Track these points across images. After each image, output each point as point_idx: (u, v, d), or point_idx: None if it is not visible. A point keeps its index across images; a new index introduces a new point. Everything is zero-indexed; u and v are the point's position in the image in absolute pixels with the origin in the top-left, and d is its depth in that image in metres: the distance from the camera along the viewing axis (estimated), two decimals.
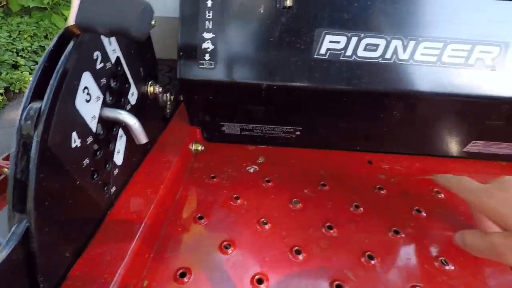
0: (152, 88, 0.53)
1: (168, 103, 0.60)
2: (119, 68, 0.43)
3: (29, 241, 0.29)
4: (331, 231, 0.46)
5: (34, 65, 2.91)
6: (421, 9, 0.46)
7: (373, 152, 0.63)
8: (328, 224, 0.47)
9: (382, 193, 0.54)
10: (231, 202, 0.51)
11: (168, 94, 0.57)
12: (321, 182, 0.55)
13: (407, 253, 0.43)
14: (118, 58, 0.42)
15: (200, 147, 0.60)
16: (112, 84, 0.42)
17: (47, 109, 0.28)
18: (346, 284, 0.39)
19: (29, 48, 3.01)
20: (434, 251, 0.44)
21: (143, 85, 0.51)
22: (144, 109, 0.52)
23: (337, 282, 0.39)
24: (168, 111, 0.63)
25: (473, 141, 0.58)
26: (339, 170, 0.59)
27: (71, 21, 0.30)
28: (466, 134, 0.57)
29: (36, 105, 0.29)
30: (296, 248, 0.43)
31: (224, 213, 0.49)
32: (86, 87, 0.35)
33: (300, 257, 0.42)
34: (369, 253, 0.43)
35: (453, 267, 0.41)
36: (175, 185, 0.51)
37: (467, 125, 0.55)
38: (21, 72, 2.78)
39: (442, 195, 0.54)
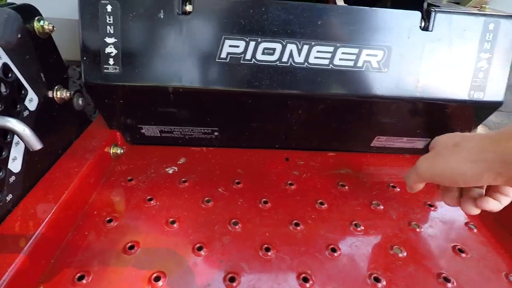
0: (59, 93, 0.52)
1: (89, 105, 0.60)
2: (9, 75, 0.42)
3: None
4: (236, 227, 0.49)
5: None
6: (313, 16, 0.49)
7: (291, 149, 0.66)
8: (234, 220, 0.49)
9: (292, 188, 0.57)
10: (144, 204, 0.52)
11: (81, 99, 0.57)
12: (236, 180, 0.58)
13: (304, 244, 0.47)
14: (5, 64, 0.41)
15: (119, 150, 0.60)
16: (2, 91, 0.41)
17: None
18: (240, 276, 0.41)
19: None
20: (328, 241, 0.47)
21: (47, 90, 0.50)
22: (51, 115, 0.51)
23: (231, 275, 0.41)
24: (94, 114, 0.63)
25: (376, 137, 0.63)
26: (257, 168, 0.62)
27: None
28: (369, 130, 0.62)
29: None
30: (199, 245, 0.45)
31: (135, 215, 0.50)
32: None
33: (202, 252, 0.44)
34: (266, 245, 0.45)
35: (339, 253, 0.45)
36: (84, 189, 0.51)
37: (367, 122, 0.59)
38: None
39: (346, 188, 0.58)
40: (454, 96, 0.53)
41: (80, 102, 0.57)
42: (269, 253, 0.45)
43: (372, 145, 0.65)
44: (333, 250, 0.46)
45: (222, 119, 0.58)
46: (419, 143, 0.66)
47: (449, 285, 0.41)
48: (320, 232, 0.49)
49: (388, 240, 0.48)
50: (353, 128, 0.61)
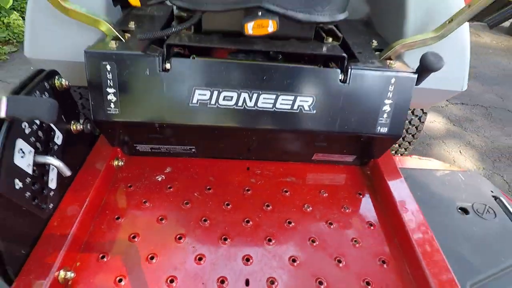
0: (74, 126, 0.71)
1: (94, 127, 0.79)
2: (43, 124, 0.61)
3: None
4: (206, 223, 0.70)
5: None
6: (260, 72, 0.67)
7: (252, 160, 0.86)
8: (204, 218, 0.71)
9: (248, 193, 0.78)
10: (141, 205, 0.73)
11: (89, 124, 0.75)
12: (207, 187, 0.78)
13: (250, 235, 0.68)
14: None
15: (120, 163, 0.80)
16: (40, 137, 0.60)
17: None
18: (206, 257, 0.63)
19: None
20: (267, 234, 0.69)
21: (66, 126, 0.69)
22: (70, 143, 0.70)
23: (199, 256, 0.63)
24: (96, 133, 0.82)
25: (315, 154, 0.83)
26: (224, 176, 0.82)
27: (2, 114, 0.48)
28: (310, 150, 0.82)
29: None
30: (179, 235, 0.67)
31: (135, 213, 0.71)
32: (20, 149, 0.54)
33: (181, 241, 0.66)
34: (224, 236, 0.67)
35: (274, 241, 0.67)
36: (99, 194, 0.72)
37: (306, 145, 0.79)
38: None
39: (288, 194, 0.79)
40: (366, 131, 0.73)
41: (88, 127, 0.76)
42: (226, 242, 0.67)
43: (313, 158, 0.86)
44: (269, 240, 0.68)
45: (196, 141, 0.78)
46: (349, 158, 0.86)
47: (341, 265, 0.64)
48: (263, 227, 0.70)
49: (307, 233, 0.70)
50: (297, 148, 0.81)
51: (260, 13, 0.62)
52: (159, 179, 0.80)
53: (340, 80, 0.69)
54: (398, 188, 0.79)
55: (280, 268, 0.63)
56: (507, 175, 1.79)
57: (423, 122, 1.28)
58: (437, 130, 2.10)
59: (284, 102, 0.69)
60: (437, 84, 0.83)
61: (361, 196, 0.82)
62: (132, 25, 0.76)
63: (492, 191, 0.98)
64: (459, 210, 0.92)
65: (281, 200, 0.77)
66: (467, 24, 0.80)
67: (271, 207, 0.75)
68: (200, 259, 0.63)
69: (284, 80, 0.68)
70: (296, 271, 0.63)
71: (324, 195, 0.80)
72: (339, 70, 0.68)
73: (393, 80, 0.70)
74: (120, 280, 0.59)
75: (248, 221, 0.71)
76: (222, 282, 0.60)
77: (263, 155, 0.86)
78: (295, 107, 0.70)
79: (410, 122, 1.26)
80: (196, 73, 0.67)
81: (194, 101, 0.68)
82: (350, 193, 0.82)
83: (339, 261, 0.65)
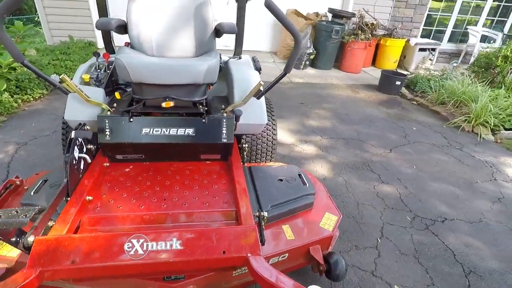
0: (90, 146, 1.66)
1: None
2: (82, 142, 1.56)
3: None
4: (148, 183, 1.65)
5: None
6: (170, 121, 1.71)
7: (173, 162, 1.85)
8: (147, 181, 1.66)
9: (169, 173, 1.75)
10: (118, 178, 1.66)
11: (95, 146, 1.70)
12: (150, 172, 1.74)
13: (166, 190, 1.65)
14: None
15: (107, 164, 1.74)
16: (80, 146, 1.55)
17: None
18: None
19: None
20: (184, 208, 1.66)
21: (87, 146, 1.64)
22: (89, 153, 1.65)
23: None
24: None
25: (201, 154, 1.85)
26: (158, 168, 1.79)
27: (73, 135, 1.45)
28: (198, 152, 1.83)
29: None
30: (137, 186, 1.61)
31: (114, 180, 1.64)
32: (74, 148, 1.48)
33: (136, 189, 1.60)
34: (153, 186, 1.63)
35: (177, 188, 1.64)
36: (98, 175, 1.64)
37: (196, 150, 1.81)
38: None
39: (188, 174, 1.78)
40: (218, 140, 1.78)
41: (93, 151, 1.70)
42: (155, 188, 1.62)
43: (201, 157, 1.87)
44: (176, 187, 1.65)
45: (144, 152, 1.76)
46: (217, 156, 1.89)
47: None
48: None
49: (193, 187, 1.69)
50: (192, 152, 1.82)
51: (167, 99, 1.69)
52: (127, 170, 1.74)
53: (203, 121, 1.74)
54: (237, 170, 1.81)
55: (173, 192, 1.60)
56: (346, 177, 2.94)
57: (275, 144, 2.40)
58: (310, 155, 3.27)
59: (181, 130, 1.72)
60: (252, 120, 1.94)
61: (222, 172, 1.83)
62: (114, 105, 1.77)
63: (299, 172, 2.05)
64: (278, 180, 1.97)
65: (184, 175, 1.75)
66: (263, 98, 1.96)
67: (178, 177, 1.73)
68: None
69: (179, 123, 1.72)
70: (184, 195, 1.61)
71: (205, 172, 1.79)
72: (201, 118, 1.74)
73: (224, 120, 1.77)
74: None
75: (168, 182, 1.67)
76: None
77: (178, 158, 1.85)
78: (186, 132, 1.73)
79: (267, 145, 2.37)
80: (143, 122, 1.68)
81: (143, 133, 1.68)
82: (218, 173, 1.83)
83: (205, 192, 1.63)
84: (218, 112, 1.82)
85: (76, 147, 1.46)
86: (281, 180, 1.94)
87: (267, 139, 2.34)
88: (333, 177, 2.92)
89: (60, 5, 5.49)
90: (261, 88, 1.78)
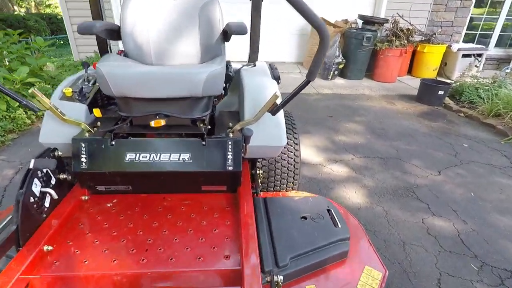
0: (62, 176, 1.34)
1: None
2: (47, 172, 1.24)
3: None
4: (130, 225, 1.28)
5: None
6: (160, 144, 1.35)
7: (167, 194, 1.48)
8: (130, 223, 1.29)
9: (160, 210, 1.38)
10: (95, 218, 1.31)
11: (70, 175, 1.38)
12: (136, 208, 1.38)
13: (151, 228, 1.27)
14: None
15: (86, 197, 1.40)
16: (44, 179, 1.22)
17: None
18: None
19: None
20: (163, 228, 1.28)
21: (58, 175, 1.32)
22: (59, 185, 1.32)
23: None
24: (74, 182, 1.44)
25: (202, 185, 1.47)
26: (148, 201, 1.43)
27: (31, 166, 1.12)
28: (198, 183, 1.45)
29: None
30: (115, 231, 1.25)
31: (92, 220, 1.29)
32: (35, 183, 1.16)
33: (114, 233, 1.24)
34: (139, 230, 1.25)
35: (166, 231, 1.25)
36: (71, 212, 1.31)
37: (195, 181, 1.43)
38: None
39: (183, 209, 1.40)
40: (221, 169, 1.38)
41: (70, 177, 1.38)
42: (138, 233, 1.25)
43: (202, 189, 1.49)
44: (165, 231, 1.26)
45: (131, 182, 1.41)
46: (223, 187, 1.49)
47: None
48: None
49: (181, 221, 1.29)
50: (190, 183, 1.44)
51: (157, 116, 1.34)
52: (109, 205, 1.40)
53: (202, 144, 1.37)
54: (247, 206, 1.40)
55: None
56: (386, 206, 2.42)
57: (297, 168, 1.97)
58: (341, 177, 2.78)
59: (175, 156, 1.36)
60: (267, 142, 1.53)
61: (228, 208, 1.43)
62: (98, 124, 1.45)
63: (328, 207, 1.60)
64: (301, 218, 1.53)
65: (178, 212, 1.38)
66: (282, 112, 1.55)
67: (171, 216, 1.35)
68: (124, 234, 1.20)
69: (172, 146, 1.36)
70: (176, 243, 1.22)
71: (205, 208, 1.41)
72: (200, 139, 1.37)
73: (230, 143, 1.39)
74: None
75: (155, 223, 1.30)
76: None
77: (172, 190, 1.48)
78: (181, 159, 1.36)
79: (288, 169, 1.95)
80: (127, 145, 1.33)
81: (127, 159, 1.33)
82: (222, 207, 1.43)
83: (201, 239, 1.23)
84: (224, 131, 1.45)
85: (37, 180, 1.15)
86: (305, 218, 1.50)
87: (287, 162, 1.92)
88: (370, 207, 2.41)
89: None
90: (278, 101, 1.38)
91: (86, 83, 1.65)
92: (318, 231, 1.42)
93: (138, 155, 1.33)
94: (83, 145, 1.31)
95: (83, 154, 1.31)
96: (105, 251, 1.15)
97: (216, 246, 1.20)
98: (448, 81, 5.41)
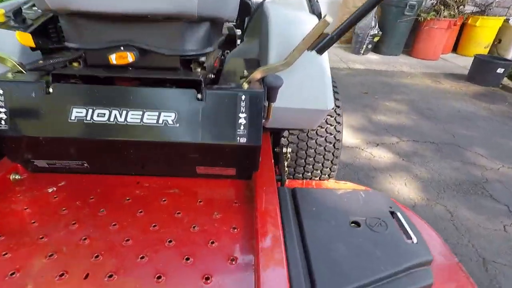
0: None
1: None
2: None
3: None
4: (74, 226, 0.77)
5: None
6: (126, 94, 0.81)
7: (144, 176, 0.95)
8: (73, 221, 0.78)
9: (128, 201, 0.86)
10: (23, 211, 0.81)
11: None
12: (91, 196, 0.86)
13: (110, 237, 0.75)
14: None
15: (17, 176, 0.90)
16: None
17: None
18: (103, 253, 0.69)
19: None
20: (127, 236, 0.75)
21: None
22: None
23: (97, 254, 0.69)
24: None
25: (197, 167, 0.93)
26: (112, 188, 0.91)
27: None
28: (189, 162, 0.91)
29: None
30: (42, 236, 0.73)
31: (15, 216, 0.79)
32: None
33: (43, 240, 0.72)
34: (85, 236, 0.74)
35: (130, 241, 0.73)
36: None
37: (183, 157, 0.89)
38: None
39: (165, 202, 0.87)
40: (227, 141, 0.83)
41: None
42: (85, 241, 0.73)
43: (198, 172, 0.95)
44: (127, 240, 0.74)
45: (85, 156, 0.88)
46: (231, 171, 0.95)
47: (188, 261, 0.69)
48: (127, 229, 0.77)
49: (168, 235, 0.76)
50: (178, 161, 0.90)
51: (122, 48, 0.79)
52: (50, 190, 0.89)
53: (197, 98, 0.82)
54: (268, 204, 0.85)
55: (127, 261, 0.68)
56: (449, 205, 1.82)
57: (338, 148, 1.39)
58: (385, 164, 2.18)
59: (150, 117, 0.82)
60: (305, 103, 0.96)
61: (236, 204, 0.89)
62: (41, 63, 0.92)
63: (391, 207, 1.03)
64: (352, 224, 0.96)
65: (158, 208, 0.85)
66: (326, 54, 0.96)
67: (144, 213, 0.82)
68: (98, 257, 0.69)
69: (148, 99, 0.81)
70: (141, 265, 0.68)
71: (200, 203, 0.87)
72: (195, 91, 0.82)
73: (243, 97, 0.83)
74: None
75: (115, 225, 0.78)
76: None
77: (152, 170, 0.95)
78: (160, 121, 0.82)
79: (325, 149, 1.37)
80: (72, 94, 0.80)
81: (73, 117, 0.81)
82: (227, 202, 0.89)
83: (187, 259, 0.70)
84: (234, 81, 0.89)
85: None
86: (357, 224, 0.94)
87: (325, 139, 1.34)
88: (428, 205, 1.82)
89: None
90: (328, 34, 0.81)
91: (35, 7, 1.12)
92: (381, 247, 0.86)
93: (90, 111, 0.81)
94: (2, 92, 0.80)
95: (2, 108, 0.80)
96: (12, 274, 0.64)
97: (212, 274, 0.67)
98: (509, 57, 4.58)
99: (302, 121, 1.08)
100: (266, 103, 0.88)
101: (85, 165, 0.92)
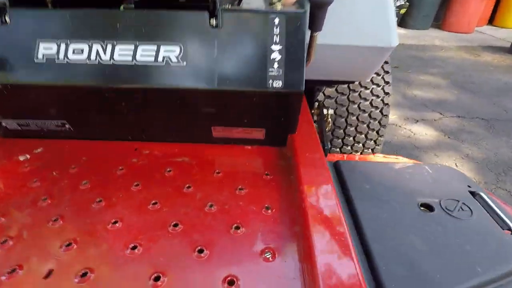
0: None
1: None
2: None
3: None
4: (46, 202, 0.55)
5: None
6: (112, 20, 0.57)
7: (144, 142, 0.73)
8: (44, 197, 0.56)
9: (121, 172, 0.63)
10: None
11: None
12: (72, 166, 0.64)
13: (90, 218, 0.53)
14: None
15: None
16: None
17: None
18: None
19: None
20: (116, 217, 0.53)
21: None
22: None
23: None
24: None
25: (213, 127, 0.68)
26: (101, 156, 0.68)
27: None
28: (203, 121, 0.67)
29: None
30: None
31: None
32: None
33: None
34: (57, 217, 0.52)
35: (119, 224, 0.50)
36: None
37: (193, 113, 0.65)
38: None
39: (171, 173, 0.63)
40: (254, 86, 0.58)
41: None
42: (56, 222, 0.51)
43: (214, 136, 0.71)
44: (115, 222, 0.51)
45: (64, 113, 0.66)
46: (258, 133, 0.70)
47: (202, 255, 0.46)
48: (117, 208, 0.54)
49: (174, 216, 0.53)
50: (187, 119, 0.66)
51: None
52: (22, 158, 0.67)
53: (211, 25, 0.57)
54: (314, 170, 0.61)
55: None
56: None
57: (386, 115, 1.12)
58: (429, 142, 1.89)
59: (145, 53, 0.58)
60: (360, 40, 0.70)
61: (269, 176, 0.65)
62: None
63: (469, 186, 0.76)
64: (421, 207, 0.70)
65: (158, 179, 0.62)
66: None
67: (140, 186, 0.59)
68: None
69: (142, 27, 0.57)
70: (132, 259, 0.46)
71: (218, 175, 0.63)
72: (206, 13, 0.57)
73: (276, 21, 0.57)
74: None
75: (100, 201, 0.56)
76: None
77: (152, 133, 0.72)
78: (160, 59, 0.58)
79: (370, 115, 1.11)
80: (39, 24, 0.57)
81: (40, 56, 0.58)
82: (255, 174, 0.65)
83: (201, 251, 0.47)
84: (257, 1, 0.64)
85: None
86: (429, 207, 0.68)
87: (371, 104, 1.07)
88: (486, 189, 1.52)
89: None
90: None
91: None
92: (470, 240, 0.60)
93: (63, 46, 0.57)
94: None
95: None
96: None
97: (238, 275, 0.43)
98: None
99: (353, 68, 0.81)
100: (308, 34, 0.62)
101: (67, 126, 0.70)
